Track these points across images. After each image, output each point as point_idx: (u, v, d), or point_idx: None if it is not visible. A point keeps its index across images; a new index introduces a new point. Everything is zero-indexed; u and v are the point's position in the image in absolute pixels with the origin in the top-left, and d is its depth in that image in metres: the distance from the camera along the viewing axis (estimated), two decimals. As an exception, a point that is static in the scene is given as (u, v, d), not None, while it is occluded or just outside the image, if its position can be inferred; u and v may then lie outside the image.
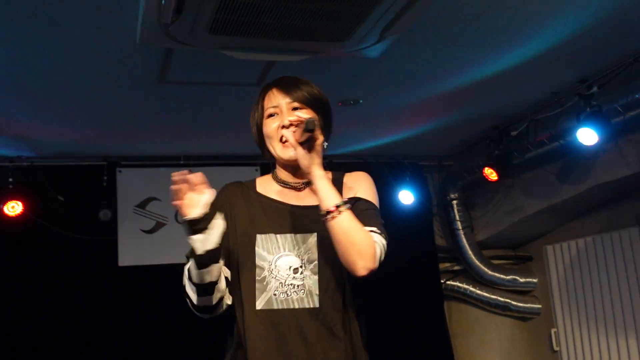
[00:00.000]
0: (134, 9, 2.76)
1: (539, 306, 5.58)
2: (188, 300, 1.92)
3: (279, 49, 3.06)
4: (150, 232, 4.97)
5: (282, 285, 1.91)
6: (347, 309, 1.96)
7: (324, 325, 1.90)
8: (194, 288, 1.87)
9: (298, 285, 1.92)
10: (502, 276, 5.58)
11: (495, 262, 5.69)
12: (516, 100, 4.40)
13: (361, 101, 4.12)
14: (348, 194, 2.00)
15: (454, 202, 5.59)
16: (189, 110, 4.18)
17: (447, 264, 5.84)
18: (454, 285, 5.73)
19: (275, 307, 1.90)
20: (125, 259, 4.87)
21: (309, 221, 1.95)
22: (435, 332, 5.48)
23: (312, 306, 1.91)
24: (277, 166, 2.07)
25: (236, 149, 4.96)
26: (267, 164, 2.15)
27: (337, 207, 1.83)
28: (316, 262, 1.94)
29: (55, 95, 3.79)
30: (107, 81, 3.61)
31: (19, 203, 4.62)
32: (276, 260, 1.94)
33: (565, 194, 4.79)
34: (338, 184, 2.04)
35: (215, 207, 1.87)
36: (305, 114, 1.93)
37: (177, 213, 1.85)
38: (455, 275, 5.78)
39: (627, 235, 4.72)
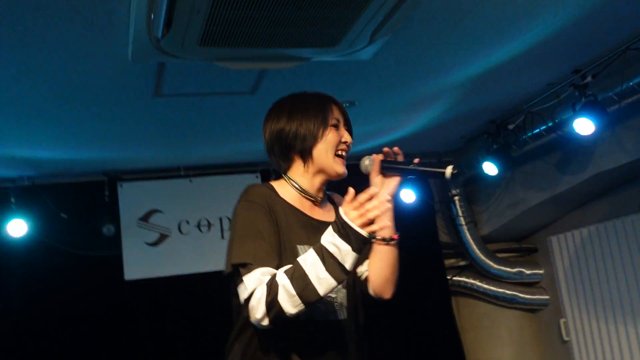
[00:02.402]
0: (124, 25, 2.77)
1: (547, 297, 5.58)
2: (278, 310, 1.77)
3: (271, 57, 3.07)
4: (154, 244, 4.98)
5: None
6: (363, 322, 2.10)
7: (351, 336, 2.01)
8: (311, 299, 1.78)
9: (333, 297, 1.99)
10: (508, 269, 5.57)
11: (500, 255, 5.69)
12: (512, 94, 4.40)
13: (357, 103, 4.13)
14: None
15: (456, 198, 5.59)
16: (185, 122, 4.20)
17: (453, 260, 5.84)
18: (460, 281, 5.73)
19: (315, 318, 1.93)
20: (131, 272, 4.88)
21: None
22: (445, 328, 5.48)
23: (343, 318, 2.00)
24: (300, 173, 2.05)
25: (235, 156, 4.98)
26: (267, 171, 2.18)
27: (398, 237, 2.05)
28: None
29: (53, 114, 3.80)
30: (103, 98, 3.62)
31: (23, 223, 4.63)
32: None
33: (566, 184, 4.79)
34: (334, 203, 2.17)
35: (261, 207, 1.93)
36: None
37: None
38: (461, 270, 5.78)
39: (630, 222, 4.71)
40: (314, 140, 2.01)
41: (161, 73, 3.32)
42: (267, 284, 1.79)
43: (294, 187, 2.04)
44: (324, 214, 2.06)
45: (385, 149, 2.06)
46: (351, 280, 2.03)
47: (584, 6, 3.19)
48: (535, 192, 5.08)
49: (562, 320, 5.38)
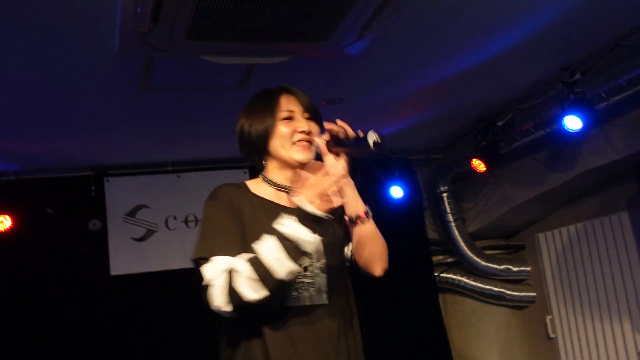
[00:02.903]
0: (111, 19, 2.75)
1: (534, 294, 5.60)
2: (238, 297, 1.79)
3: (259, 52, 3.06)
4: (141, 240, 4.95)
5: (292, 282, 1.93)
6: (350, 305, 2.07)
7: (332, 321, 1.97)
8: (272, 283, 1.79)
9: (308, 283, 1.97)
10: (495, 266, 5.59)
11: (488, 252, 5.70)
12: (500, 91, 4.41)
13: (345, 99, 4.11)
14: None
15: (444, 194, 5.59)
16: (173, 117, 4.17)
17: (440, 257, 5.84)
18: (448, 278, 5.74)
19: (287, 304, 1.93)
20: (117, 268, 4.84)
21: None
22: (432, 325, 5.48)
23: (322, 303, 1.97)
24: (271, 170, 2.08)
25: (223, 152, 4.95)
26: (256, 167, 2.15)
27: (366, 213, 2.02)
28: (324, 260, 2.00)
29: (39, 109, 3.77)
30: (90, 92, 3.59)
31: (8, 217, 4.59)
32: None
33: (554, 181, 4.80)
34: None
35: (227, 206, 1.95)
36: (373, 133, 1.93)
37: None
38: (448, 267, 5.78)
39: (618, 220, 4.73)
40: (266, 137, 2.04)
41: (149, 67, 3.29)
42: (227, 271, 1.83)
43: (267, 183, 2.07)
44: None
45: (328, 126, 1.98)
46: (335, 264, 2.01)
47: (572, 3, 3.20)
48: (523, 189, 5.09)
49: (548, 318, 5.40)
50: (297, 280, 1.94)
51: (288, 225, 1.81)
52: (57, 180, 4.91)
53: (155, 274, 4.86)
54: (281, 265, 1.78)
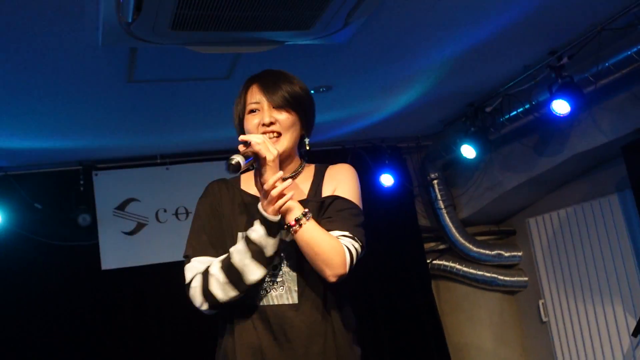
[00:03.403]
0: (93, 10, 2.71)
1: (526, 279, 5.62)
2: (212, 298, 1.90)
3: (244, 41, 3.03)
4: (131, 233, 4.92)
5: (262, 282, 1.92)
6: (327, 305, 1.96)
7: (303, 321, 1.91)
8: (242, 286, 1.87)
9: (277, 282, 1.94)
10: (487, 252, 5.60)
11: (480, 238, 5.71)
12: (489, 77, 4.40)
13: (333, 87, 4.09)
14: (328, 188, 2.01)
15: (435, 181, 5.60)
16: (160, 108, 4.14)
17: (432, 244, 5.85)
18: (440, 264, 5.75)
19: (256, 302, 1.92)
20: (108, 262, 4.82)
21: None
22: (425, 312, 5.50)
23: (291, 302, 1.92)
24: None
25: (212, 143, 4.93)
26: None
27: (297, 220, 1.85)
28: (295, 258, 1.94)
29: (24, 103, 3.73)
30: (74, 85, 3.56)
31: (-4, 214, 4.56)
32: None
33: (543, 165, 4.81)
34: (319, 177, 2.07)
35: (207, 203, 2.02)
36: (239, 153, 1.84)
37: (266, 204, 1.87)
38: (440, 254, 5.80)
39: (607, 203, 4.75)
40: (240, 130, 2.04)
41: (133, 58, 3.26)
42: (202, 273, 1.93)
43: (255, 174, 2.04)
44: (294, 190, 1.98)
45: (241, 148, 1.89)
46: (307, 263, 1.91)
47: (559, -13, 3.19)
48: (513, 175, 5.09)
49: (540, 302, 5.42)
50: (267, 279, 1.93)
51: (254, 230, 1.86)
52: (45, 176, 4.87)
53: (147, 267, 4.84)
54: (248, 268, 1.85)
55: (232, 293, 1.87)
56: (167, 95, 3.92)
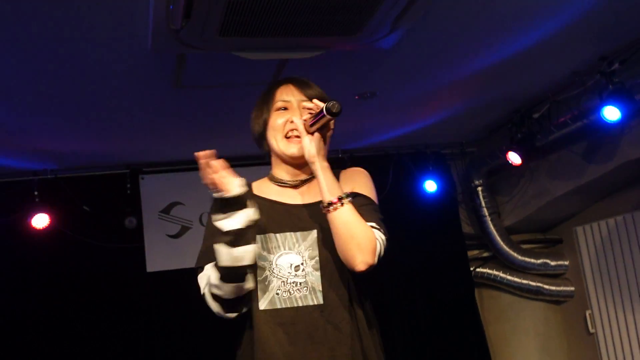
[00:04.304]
0: (144, 17, 2.76)
1: (572, 289, 5.50)
2: (216, 303, 1.91)
3: (291, 47, 3.04)
4: (175, 236, 4.98)
5: (284, 284, 1.90)
6: (353, 305, 1.92)
7: (329, 321, 1.87)
8: (227, 280, 1.84)
9: (300, 283, 1.90)
10: (532, 260, 5.50)
11: (525, 246, 5.62)
12: (536, 82, 4.33)
13: (378, 93, 4.08)
14: (345, 189, 1.98)
15: (479, 188, 5.52)
16: (206, 113, 4.19)
17: (476, 251, 5.77)
18: (483, 272, 5.67)
19: (278, 306, 1.89)
20: (153, 264, 4.89)
21: (308, 218, 1.95)
22: (468, 320, 5.43)
23: (316, 303, 1.89)
24: (274, 165, 2.07)
25: (256, 149, 4.94)
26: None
27: (340, 199, 1.83)
28: (317, 258, 1.92)
29: (74, 107, 3.82)
30: (123, 90, 3.63)
31: (46, 216, 4.66)
32: (277, 259, 1.92)
33: (592, 173, 4.71)
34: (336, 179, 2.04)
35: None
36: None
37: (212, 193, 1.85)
38: (484, 262, 5.71)
39: (658, 212, 4.63)
40: (263, 129, 2.03)
41: (181, 64, 3.31)
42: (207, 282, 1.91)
43: (271, 180, 2.05)
44: (309, 194, 2.01)
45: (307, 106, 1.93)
46: (332, 260, 1.89)
47: (611, -9, 3.12)
48: (561, 182, 5.00)
49: (587, 312, 5.30)
50: (289, 281, 1.89)
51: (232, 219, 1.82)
52: (94, 179, 4.97)
53: (190, 270, 4.87)
54: (223, 255, 1.81)
55: (227, 288, 1.84)
56: (213, 101, 3.96)
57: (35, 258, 4.72)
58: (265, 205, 1.98)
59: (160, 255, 4.91)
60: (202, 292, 1.93)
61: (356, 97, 4.02)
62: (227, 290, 1.85)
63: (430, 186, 5.30)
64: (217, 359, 4.80)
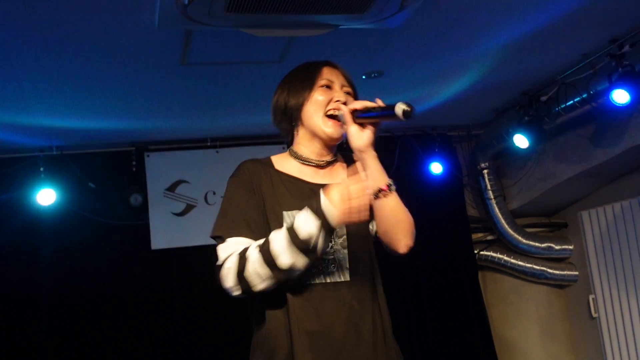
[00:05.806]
0: (150, -8, 2.74)
1: (576, 273, 5.50)
2: (245, 284, 1.84)
3: (299, 24, 3.02)
4: (181, 214, 4.99)
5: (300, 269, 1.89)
6: (375, 283, 2.00)
7: (355, 298, 1.93)
8: (280, 274, 1.81)
9: (329, 260, 1.93)
10: (536, 244, 5.50)
11: (530, 230, 5.61)
12: (545, 65, 4.29)
13: (385, 73, 4.06)
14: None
15: (485, 171, 5.50)
16: (212, 91, 4.17)
17: (480, 234, 5.77)
18: (487, 255, 5.67)
19: (307, 281, 1.91)
20: (158, 242, 4.90)
21: None
22: (471, 303, 5.44)
23: (343, 279, 1.93)
24: (300, 141, 2.06)
25: (262, 127, 4.94)
26: (286, 140, 2.12)
27: (388, 186, 1.92)
28: (345, 236, 1.97)
29: (80, 84, 3.80)
30: (129, 66, 3.61)
31: (52, 192, 4.67)
32: None
33: (599, 157, 4.69)
34: (352, 165, 2.07)
35: (246, 183, 1.96)
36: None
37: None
38: (488, 245, 5.72)
39: (665, 198, 4.61)
40: (302, 102, 2.02)
41: (188, 40, 3.29)
42: (239, 254, 1.85)
43: (293, 157, 2.05)
44: (330, 177, 2.04)
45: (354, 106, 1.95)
46: (358, 240, 1.98)
47: (622, -28, 3.08)
48: (567, 166, 4.98)
49: (591, 297, 5.31)
50: None
51: (304, 221, 1.78)
52: (99, 155, 4.98)
53: (195, 248, 4.90)
54: (288, 257, 1.78)
55: (268, 281, 1.82)
56: (219, 78, 3.94)
57: (40, 234, 4.74)
58: (290, 182, 2.00)
59: (165, 233, 4.92)
60: (220, 263, 1.88)
61: (362, 77, 4.00)
62: (268, 285, 1.84)
63: (436, 168, 5.29)
64: (221, 335, 4.86)
